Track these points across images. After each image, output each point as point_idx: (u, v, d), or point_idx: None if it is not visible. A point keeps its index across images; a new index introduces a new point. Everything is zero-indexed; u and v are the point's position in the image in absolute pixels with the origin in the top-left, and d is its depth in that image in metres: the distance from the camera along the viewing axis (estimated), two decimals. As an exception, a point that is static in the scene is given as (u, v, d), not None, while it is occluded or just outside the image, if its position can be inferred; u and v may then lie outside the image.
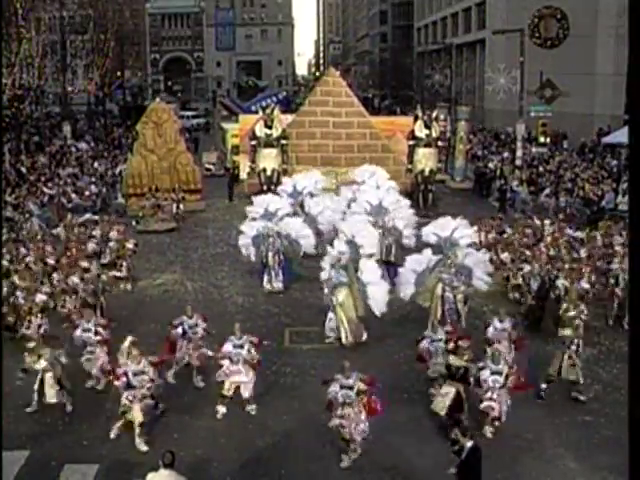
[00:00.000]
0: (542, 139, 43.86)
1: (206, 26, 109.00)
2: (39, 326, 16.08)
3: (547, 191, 30.90)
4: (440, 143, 31.74)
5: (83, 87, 59.36)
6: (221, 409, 13.43)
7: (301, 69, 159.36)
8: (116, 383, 12.71)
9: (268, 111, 30.86)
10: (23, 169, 35.17)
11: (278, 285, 20.60)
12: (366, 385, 11.95)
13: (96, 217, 26.96)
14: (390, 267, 20.05)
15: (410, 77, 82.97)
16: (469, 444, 10.30)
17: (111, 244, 22.11)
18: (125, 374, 12.54)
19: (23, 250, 20.87)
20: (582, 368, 14.91)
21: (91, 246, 21.84)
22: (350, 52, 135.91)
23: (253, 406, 13.52)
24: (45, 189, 30.18)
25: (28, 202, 27.75)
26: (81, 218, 25.91)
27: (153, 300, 20.14)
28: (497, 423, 12.68)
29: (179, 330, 14.76)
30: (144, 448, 12.34)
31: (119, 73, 65.08)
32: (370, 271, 17.42)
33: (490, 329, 14.73)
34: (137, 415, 12.48)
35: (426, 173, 30.43)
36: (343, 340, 16.74)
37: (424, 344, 14.23)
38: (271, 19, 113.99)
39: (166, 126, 32.00)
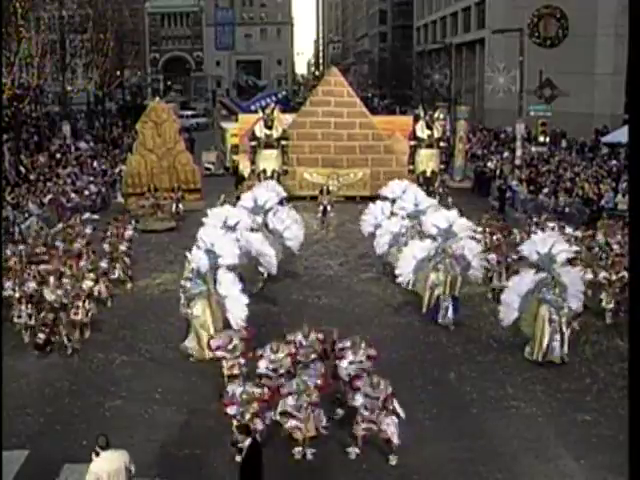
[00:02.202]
0: (541, 138, 43.84)
1: (205, 25, 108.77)
2: (87, 311, 17.03)
3: (546, 190, 30.89)
4: (442, 144, 31.52)
5: (82, 86, 59.26)
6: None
7: (301, 68, 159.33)
8: (229, 411, 11.83)
9: (268, 111, 30.65)
10: (22, 169, 35.18)
11: None
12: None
13: (96, 216, 27.05)
14: (454, 301, 17.99)
15: (409, 77, 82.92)
16: (247, 442, 10.36)
17: (105, 246, 22.00)
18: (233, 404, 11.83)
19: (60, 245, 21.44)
20: (582, 368, 15.04)
21: (77, 246, 21.60)
22: (349, 51, 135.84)
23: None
24: (48, 195, 30.10)
25: (28, 201, 27.77)
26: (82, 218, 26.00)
27: (153, 299, 20.13)
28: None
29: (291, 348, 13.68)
30: None
31: (118, 72, 64.94)
32: (228, 283, 16.15)
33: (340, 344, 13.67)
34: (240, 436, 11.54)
35: (428, 174, 30.23)
36: (200, 357, 15.69)
37: (344, 364, 13.13)
38: (271, 18, 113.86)
39: (165, 125, 32.01)
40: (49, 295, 16.74)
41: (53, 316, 16.43)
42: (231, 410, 11.78)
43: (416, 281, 18.66)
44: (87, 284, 18.04)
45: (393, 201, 22.69)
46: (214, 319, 15.89)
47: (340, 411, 13.14)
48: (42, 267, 18.92)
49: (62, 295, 16.86)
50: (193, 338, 15.96)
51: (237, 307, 15.79)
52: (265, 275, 20.13)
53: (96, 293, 18.60)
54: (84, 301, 17.12)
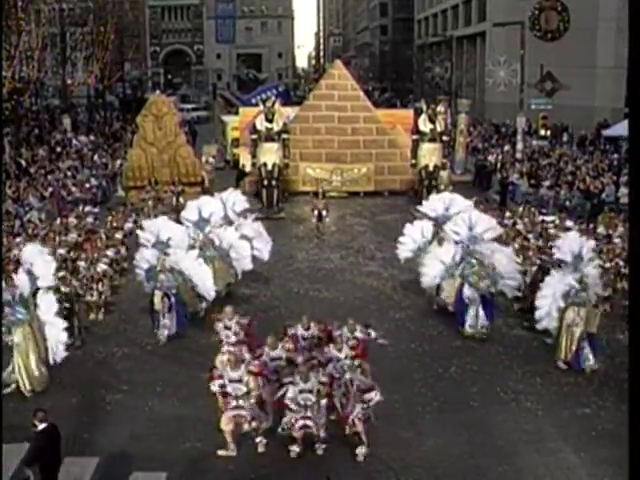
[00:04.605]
0: (542, 132, 43.81)
1: (206, 18, 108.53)
2: (100, 293, 17.89)
3: (547, 184, 30.89)
4: (445, 138, 31.20)
5: (83, 80, 59.23)
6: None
7: (301, 62, 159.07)
8: (212, 387, 12.06)
9: (269, 104, 30.38)
10: (23, 162, 35.17)
11: (165, 332, 16.66)
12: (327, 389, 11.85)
13: (96, 209, 27.09)
14: (591, 338, 15.30)
15: (410, 70, 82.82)
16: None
17: (102, 236, 22.27)
18: (221, 377, 11.94)
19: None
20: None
21: (72, 236, 22.15)
22: (350, 44, 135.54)
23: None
24: (49, 189, 30.15)
25: (28, 195, 27.79)
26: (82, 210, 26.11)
27: (153, 293, 20.10)
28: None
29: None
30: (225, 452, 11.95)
31: (119, 66, 64.91)
32: (46, 307, 14.57)
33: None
34: (223, 423, 11.93)
35: (430, 168, 29.83)
36: (21, 388, 14.18)
37: (329, 368, 12.65)
38: (271, 11, 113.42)
39: (166, 119, 31.97)
40: (64, 287, 16.86)
41: (69, 307, 16.48)
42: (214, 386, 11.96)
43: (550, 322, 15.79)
44: (101, 267, 18.88)
45: (434, 220, 19.83)
46: (37, 347, 14.36)
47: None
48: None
49: (77, 286, 17.22)
50: (15, 369, 14.32)
51: (55, 334, 14.51)
52: (204, 301, 17.93)
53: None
54: (98, 283, 17.93)
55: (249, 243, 19.43)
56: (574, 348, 15.17)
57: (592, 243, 16.44)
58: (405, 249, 19.78)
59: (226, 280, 18.96)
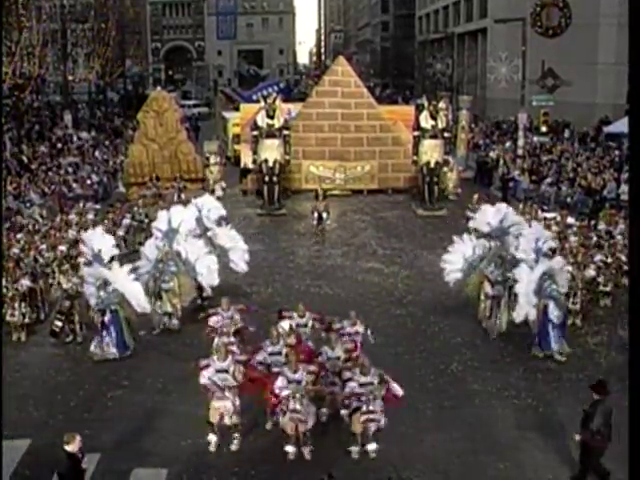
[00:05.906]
0: (544, 128, 43.75)
1: (207, 15, 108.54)
2: None
3: (549, 180, 30.87)
4: (446, 134, 31.03)
5: (84, 76, 59.22)
6: None
7: (302, 58, 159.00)
8: (200, 380, 12.08)
9: (270, 101, 30.30)
10: (24, 158, 35.18)
11: (106, 351, 15.73)
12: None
13: (97, 206, 27.10)
14: None
15: (412, 66, 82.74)
16: None
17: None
18: (208, 367, 12.03)
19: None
20: (584, 358, 15.04)
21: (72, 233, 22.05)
22: (351, 41, 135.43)
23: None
24: (51, 185, 30.14)
25: (29, 191, 27.80)
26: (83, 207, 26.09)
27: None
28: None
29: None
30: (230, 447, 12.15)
31: (120, 62, 64.92)
32: None
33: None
34: (210, 416, 12.08)
35: (432, 165, 29.67)
36: None
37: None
38: (272, 8, 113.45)
39: (167, 115, 31.96)
40: (65, 283, 16.97)
41: (69, 304, 16.57)
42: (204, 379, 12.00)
43: None
44: None
45: (488, 235, 18.08)
46: None
47: (325, 411, 12.83)
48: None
49: (78, 284, 17.01)
50: None
51: None
52: (174, 316, 17.40)
53: None
54: None
55: (217, 257, 18.28)
56: None
57: None
58: (454, 269, 17.75)
59: (192, 295, 17.98)
